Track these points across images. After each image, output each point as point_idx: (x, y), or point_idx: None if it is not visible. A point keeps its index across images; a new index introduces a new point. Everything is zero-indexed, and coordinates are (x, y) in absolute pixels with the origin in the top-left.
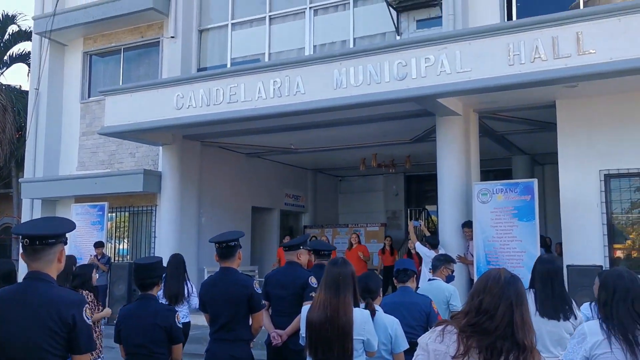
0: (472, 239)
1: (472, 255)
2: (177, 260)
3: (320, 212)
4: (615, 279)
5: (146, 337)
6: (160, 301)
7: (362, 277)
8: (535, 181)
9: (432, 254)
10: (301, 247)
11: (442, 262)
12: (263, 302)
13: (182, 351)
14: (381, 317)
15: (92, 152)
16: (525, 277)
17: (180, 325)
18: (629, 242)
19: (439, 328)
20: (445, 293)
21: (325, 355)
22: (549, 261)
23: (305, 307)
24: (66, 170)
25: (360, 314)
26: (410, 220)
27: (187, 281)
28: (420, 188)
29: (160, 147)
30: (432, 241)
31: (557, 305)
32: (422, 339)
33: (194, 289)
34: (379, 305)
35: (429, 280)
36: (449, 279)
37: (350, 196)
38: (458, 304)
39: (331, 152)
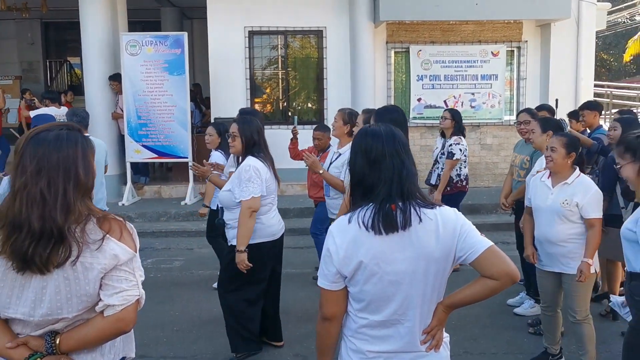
0: (120, 92)
1: (122, 110)
2: None
3: None
4: None
5: None
6: None
7: None
8: (185, 35)
9: None
10: None
11: None
12: None
13: None
14: None
15: None
16: (177, 131)
17: None
18: (265, 96)
19: None
20: None
21: None
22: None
23: None
24: None
25: None
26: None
27: None
28: (61, 37)
29: None
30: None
31: None
32: None
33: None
34: None
35: None
36: None
37: None
38: None
39: None
